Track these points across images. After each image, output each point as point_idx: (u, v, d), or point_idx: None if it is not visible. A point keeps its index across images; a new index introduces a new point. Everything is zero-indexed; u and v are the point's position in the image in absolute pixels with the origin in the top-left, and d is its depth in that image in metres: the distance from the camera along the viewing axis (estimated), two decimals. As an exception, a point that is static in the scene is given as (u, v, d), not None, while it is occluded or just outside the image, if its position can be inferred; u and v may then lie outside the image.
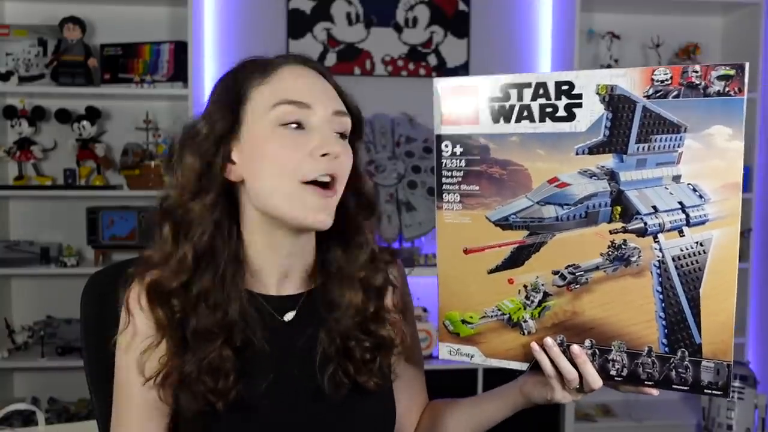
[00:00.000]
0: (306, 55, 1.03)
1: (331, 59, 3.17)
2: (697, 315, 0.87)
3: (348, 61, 3.18)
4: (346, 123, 0.98)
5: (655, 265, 0.88)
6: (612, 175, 0.88)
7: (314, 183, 0.92)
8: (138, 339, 0.95)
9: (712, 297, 0.86)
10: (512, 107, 0.92)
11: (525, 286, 0.94)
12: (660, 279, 0.88)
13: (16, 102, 2.96)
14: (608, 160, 0.88)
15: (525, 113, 0.91)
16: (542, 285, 0.93)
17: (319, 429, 1.00)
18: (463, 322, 0.99)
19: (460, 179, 0.96)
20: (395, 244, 3.04)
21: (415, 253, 3.02)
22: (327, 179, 0.93)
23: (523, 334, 0.96)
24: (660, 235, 0.87)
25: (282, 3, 3.14)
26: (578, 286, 0.91)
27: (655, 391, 0.91)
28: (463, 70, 3.21)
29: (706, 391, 0.87)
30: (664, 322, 0.88)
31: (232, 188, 0.97)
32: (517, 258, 0.94)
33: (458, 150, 0.96)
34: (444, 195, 0.97)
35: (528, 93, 0.91)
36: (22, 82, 2.89)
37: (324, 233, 0.99)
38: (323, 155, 0.92)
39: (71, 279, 2.79)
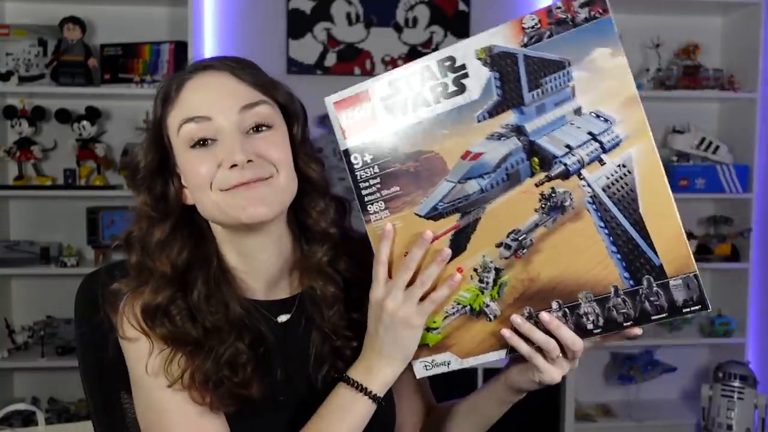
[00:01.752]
0: (212, 58, 1.00)
1: (331, 59, 3.17)
2: (646, 237, 0.86)
3: (348, 61, 3.18)
4: (261, 113, 0.96)
5: (589, 202, 0.87)
6: (519, 130, 0.88)
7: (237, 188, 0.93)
8: (154, 354, 0.95)
9: (653, 213, 0.86)
10: (405, 98, 0.91)
11: (475, 270, 0.92)
12: (599, 214, 0.87)
13: (16, 102, 2.96)
14: (510, 117, 0.88)
15: (419, 100, 0.90)
16: (491, 262, 0.91)
17: None
18: (428, 329, 0.94)
19: (378, 185, 0.92)
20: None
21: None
22: (246, 179, 0.93)
23: (490, 320, 0.93)
24: (583, 171, 0.87)
25: (282, 3, 3.13)
26: (525, 250, 0.90)
27: (638, 330, 0.89)
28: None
29: (684, 310, 0.87)
30: (618, 256, 0.87)
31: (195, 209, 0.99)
32: (458, 244, 0.91)
33: (368, 158, 0.92)
34: (368, 207, 0.93)
35: (416, 80, 0.90)
36: (22, 82, 2.89)
37: (293, 230, 1.02)
38: (233, 166, 0.92)
39: (71, 279, 2.78)
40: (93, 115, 2.96)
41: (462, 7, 3.21)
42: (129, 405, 1.10)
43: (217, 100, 0.95)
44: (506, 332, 0.91)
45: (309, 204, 1.02)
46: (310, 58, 3.15)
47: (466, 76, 0.89)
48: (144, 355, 0.95)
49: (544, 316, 0.90)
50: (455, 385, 1.23)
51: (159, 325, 0.94)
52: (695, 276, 0.86)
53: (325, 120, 3.06)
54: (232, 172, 0.92)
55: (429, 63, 0.90)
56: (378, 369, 0.93)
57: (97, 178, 2.98)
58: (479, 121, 0.89)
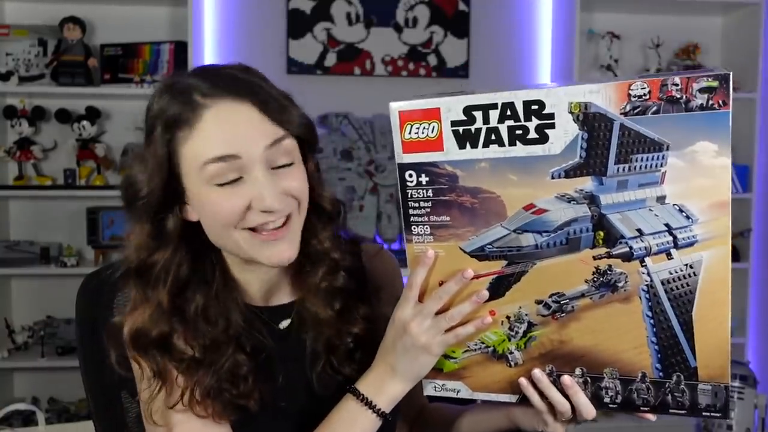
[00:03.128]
0: (231, 77, 0.92)
1: (331, 59, 3.17)
2: (690, 339, 0.83)
3: (348, 61, 3.18)
4: (287, 147, 0.92)
5: (643, 290, 0.84)
6: (592, 199, 0.83)
7: (263, 228, 0.92)
8: (146, 384, 0.95)
9: (705, 320, 0.82)
10: (478, 131, 0.84)
11: (508, 317, 0.89)
12: (650, 304, 0.84)
13: (16, 102, 2.96)
14: (587, 183, 0.82)
15: (493, 137, 0.84)
16: (526, 315, 0.89)
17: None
18: (446, 356, 0.93)
19: (428, 210, 0.88)
20: (395, 244, 3.04)
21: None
22: (278, 224, 0.91)
23: (510, 366, 0.91)
24: (647, 259, 0.83)
25: (282, 3, 3.13)
26: (564, 314, 0.87)
27: (652, 417, 0.88)
28: (462, 70, 3.21)
29: (704, 413, 0.85)
30: (656, 347, 0.85)
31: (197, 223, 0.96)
32: (498, 289, 0.89)
33: (424, 179, 0.88)
34: (413, 227, 0.90)
35: (494, 115, 0.83)
36: (22, 82, 2.89)
37: None
38: (263, 211, 0.90)
39: (71, 279, 2.79)
40: (93, 115, 2.96)
41: (462, 7, 3.21)
42: (129, 405, 1.10)
43: (247, 135, 0.89)
44: (523, 381, 0.90)
45: (317, 226, 1.00)
46: (310, 58, 3.15)
47: (551, 126, 0.82)
48: (139, 377, 0.96)
49: (566, 379, 0.88)
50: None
51: (150, 357, 0.93)
52: (726, 388, 0.83)
53: (325, 120, 3.08)
54: (263, 215, 0.90)
55: (514, 100, 0.83)
56: (388, 385, 0.92)
57: (97, 178, 2.98)
58: (552, 178, 0.83)
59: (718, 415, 0.84)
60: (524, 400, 0.92)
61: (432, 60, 3.21)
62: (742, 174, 3.13)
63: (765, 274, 3.22)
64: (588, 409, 0.89)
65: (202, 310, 0.95)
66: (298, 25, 3.14)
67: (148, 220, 0.93)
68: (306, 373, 1.02)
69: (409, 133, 0.87)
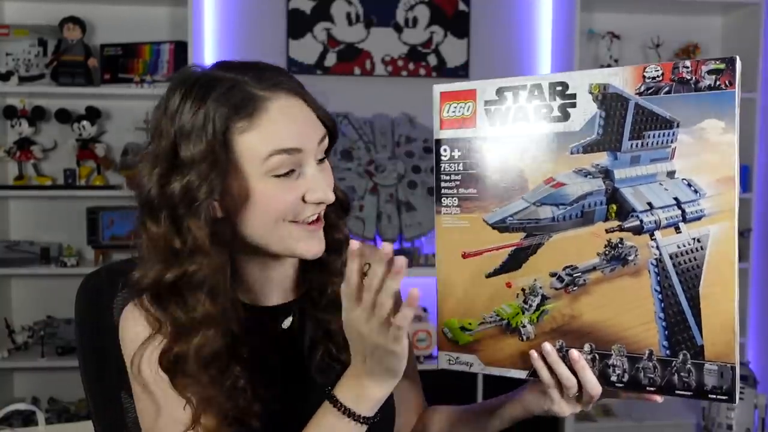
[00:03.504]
0: (287, 76, 0.94)
1: (331, 59, 3.17)
2: (697, 315, 0.84)
3: (348, 61, 3.18)
4: (325, 145, 0.96)
5: (652, 264, 0.86)
6: (607, 173, 0.88)
7: (306, 221, 0.93)
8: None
9: (711, 296, 0.83)
10: (508, 109, 0.92)
11: (523, 290, 0.93)
12: (658, 278, 0.86)
13: (16, 102, 2.96)
14: (603, 158, 0.88)
15: (521, 115, 0.91)
16: (540, 288, 0.92)
17: None
18: (462, 329, 0.97)
19: (458, 183, 0.96)
20: (395, 244, 3.04)
21: (415, 253, 3.02)
22: (314, 217, 0.94)
23: (522, 340, 0.94)
24: (656, 233, 0.86)
25: (282, 3, 3.14)
26: (576, 288, 0.90)
27: (658, 398, 0.88)
28: (462, 70, 3.21)
29: (710, 396, 0.84)
30: (663, 323, 0.86)
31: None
32: (515, 261, 0.93)
33: (456, 154, 0.96)
34: (442, 199, 0.97)
35: (523, 95, 0.91)
36: (22, 82, 2.89)
37: None
38: (317, 203, 0.92)
39: (71, 279, 2.79)
40: (93, 115, 2.96)
41: (462, 7, 3.21)
42: (129, 405, 1.10)
43: (307, 130, 0.92)
44: (534, 354, 0.92)
45: (336, 218, 1.02)
46: (310, 58, 3.15)
47: (573, 105, 0.89)
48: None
49: (574, 353, 0.90)
50: (455, 385, 1.23)
51: (193, 383, 0.91)
52: (732, 368, 0.83)
53: (325, 120, 3.07)
54: (314, 207, 0.92)
55: (541, 82, 0.90)
56: (367, 391, 0.88)
57: (97, 178, 2.98)
58: (572, 153, 0.89)
59: (724, 398, 0.84)
60: (534, 376, 0.94)
61: (432, 60, 3.21)
62: (742, 174, 3.12)
63: (765, 274, 3.22)
64: (593, 385, 0.89)
65: (206, 316, 0.92)
66: (298, 25, 3.14)
67: (207, 226, 0.89)
68: (306, 366, 1.02)
69: (447, 111, 0.96)
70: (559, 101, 0.89)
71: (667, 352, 0.86)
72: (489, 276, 0.95)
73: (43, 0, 2.97)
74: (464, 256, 0.96)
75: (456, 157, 0.96)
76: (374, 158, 3.06)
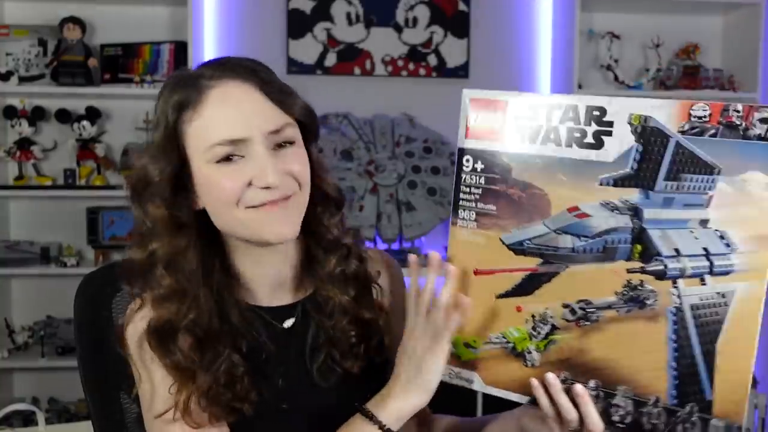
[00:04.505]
0: (235, 63, 0.96)
1: (331, 59, 3.17)
2: (710, 369, 0.81)
3: (348, 61, 3.18)
4: (288, 134, 0.95)
5: (671, 312, 0.82)
6: (635, 211, 0.83)
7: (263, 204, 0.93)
8: (159, 393, 0.95)
9: (728, 353, 0.80)
10: (539, 128, 0.87)
11: (533, 316, 0.90)
12: (675, 327, 0.83)
13: (16, 102, 2.95)
14: (633, 195, 0.83)
15: (552, 135, 0.87)
16: (551, 317, 0.89)
17: (325, 426, 1.01)
18: (466, 345, 0.94)
19: (477, 197, 0.91)
20: (395, 244, 3.04)
21: (415, 253, 3.02)
22: (276, 197, 0.93)
23: (526, 365, 0.91)
24: (680, 281, 0.82)
25: (282, 3, 3.13)
26: (588, 323, 0.87)
27: None
28: (462, 70, 3.21)
29: None
30: (675, 373, 0.83)
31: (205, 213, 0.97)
32: (528, 286, 0.90)
33: (479, 166, 0.91)
34: (460, 211, 0.92)
35: (557, 115, 0.86)
36: (22, 82, 2.89)
37: (301, 237, 1.00)
38: (264, 187, 0.92)
39: (71, 279, 2.78)
40: (93, 115, 2.96)
41: (462, 7, 3.21)
42: (129, 405, 1.10)
43: (249, 118, 0.92)
44: (534, 382, 0.89)
45: (323, 214, 1.02)
46: (310, 58, 3.15)
47: (609, 134, 0.84)
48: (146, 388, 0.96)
49: (578, 388, 0.86)
50: (454, 392, 1.23)
51: (171, 348, 0.93)
52: (739, 428, 0.81)
53: (325, 120, 3.08)
54: (263, 192, 0.92)
55: (578, 103, 0.86)
56: (395, 400, 0.92)
57: (97, 178, 2.98)
58: (600, 184, 0.85)
59: None
60: (534, 403, 0.92)
61: (432, 60, 3.21)
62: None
63: (765, 274, 3.22)
64: (595, 422, 0.87)
65: (204, 305, 0.95)
66: (298, 25, 3.14)
67: (164, 205, 0.94)
68: (307, 368, 1.02)
69: (475, 120, 0.91)
70: (594, 127, 0.85)
71: (675, 401, 0.84)
72: (499, 297, 0.92)
73: (43, 0, 2.97)
74: (476, 272, 0.92)
75: (478, 169, 0.91)
76: (374, 158, 3.06)
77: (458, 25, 3.21)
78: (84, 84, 2.86)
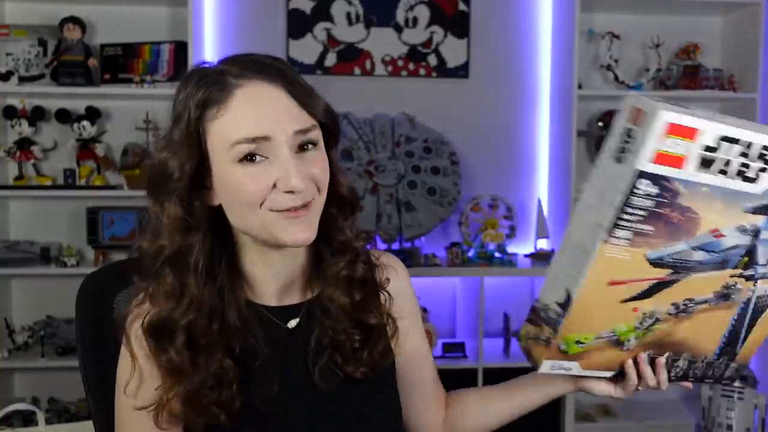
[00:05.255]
0: (261, 62, 0.96)
1: (331, 59, 3.17)
2: (747, 335, 1.05)
3: (348, 61, 3.18)
4: (312, 136, 0.94)
5: (743, 301, 1.01)
6: (756, 232, 0.95)
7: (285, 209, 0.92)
8: (144, 387, 0.95)
9: (761, 326, 1.04)
10: (716, 159, 0.87)
11: (644, 313, 0.98)
12: (740, 311, 1.02)
13: (16, 102, 2.96)
14: (760, 220, 0.94)
15: (724, 166, 0.88)
16: (657, 313, 0.98)
17: (324, 428, 1.00)
18: (577, 342, 0.98)
19: (641, 219, 0.89)
20: (395, 244, 3.04)
21: (415, 253, 3.02)
22: (299, 204, 0.92)
23: (622, 350, 1.02)
24: (759, 281, 1.00)
25: (282, 3, 3.14)
26: (685, 314, 0.99)
27: (689, 385, 1.10)
28: (462, 70, 3.21)
29: (723, 381, 1.11)
30: (725, 340, 1.05)
31: (219, 209, 0.97)
32: (651, 291, 0.96)
33: (653, 191, 0.87)
34: (616, 230, 0.89)
35: (737, 149, 0.87)
36: (22, 82, 2.89)
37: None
38: (288, 191, 0.91)
39: (71, 279, 2.79)
40: (93, 115, 2.96)
41: (462, 7, 3.21)
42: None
43: (274, 118, 0.91)
44: (630, 362, 1.04)
45: (338, 217, 1.01)
46: (310, 58, 3.15)
47: (765, 170, 0.91)
48: (136, 379, 0.95)
49: (661, 361, 1.04)
50: (457, 385, 1.24)
51: (165, 346, 0.93)
52: (745, 366, 1.11)
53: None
54: (288, 195, 0.91)
55: (756, 141, 0.88)
56: None
57: (97, 178, 2.98)
58: (744, 212, 0.93)
59: (736, 383, 1.05)
60: (617, 375, 1.07)
61: (432, 60, 3.21)
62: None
63: (765, 274, 3.22)
64: (663, 383, 1.05)
65: (202, 305, 0.95)
66: (298, 25, 3.14)
67: (180, 203, 0.93)
68: (308, 369, 1.01)
69: (667, 145, 0.85)
70: (759, 164, 0.89)
71: (715, 357, 1.07)
72: (624, 302, 0.96)
73: (43, 0, 2.97)
74: (611, 283, 0.93)
75: (652, 193, 0.88)
76: (374, 158, 3.06)
77: (458, 25, 3.22)
78: (84, 84, 2.86)
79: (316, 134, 0.95)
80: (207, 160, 0.93)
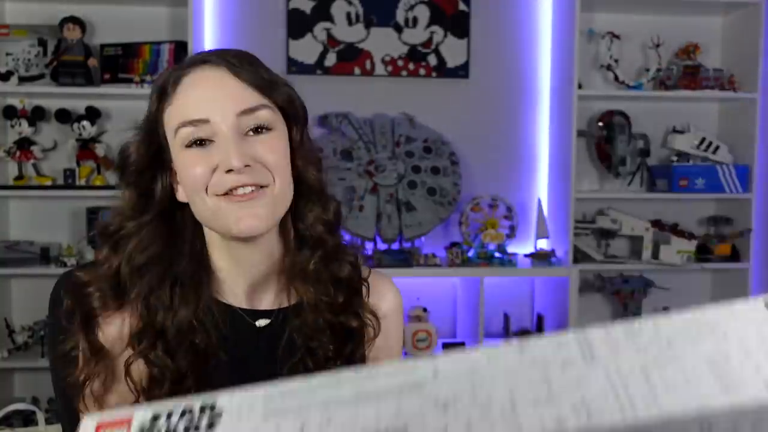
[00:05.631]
0: (214, 52, 0.96)
1: (331, 59, 3.17)
2: None
3: (348, 61, 3.18)
4: (261, 117, 0.92)
5: None
6: None
7: (233, 193, 0.91)
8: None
9: None
10: None
11: None
12: None
13: (16, 102, 2.96)
14: None
15: None
16: None
17: None
18: None
19: None
20: (395, 244, 3.04)
21: (415, 253, 3.02)
22: (247, 189, 0.90)
23: None
24: None
25: (282, 3, 3.14)
26: None
27: None
28: (462, 70, 3.21)
29: None
30: None
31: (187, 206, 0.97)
32: None
33: None
34: None
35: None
36: (22, 82, 2.89)
37: (285, 234, 0.99)
38: (229, 171, 0.89)
39: (71, 279, 2.78)
40: (93, 115, 2.96)
41: (462, 7, 3.21)
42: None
43: (215, 101, 0.91)
44: None
45: (304, 208, 0.99)
46: (310, 58, 3.15)
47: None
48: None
49: None
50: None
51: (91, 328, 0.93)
52: None
53: (325, 120, 3.08)
54: (228, 176, 0.90)
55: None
56: None
57: (97, 178, 2.98)
58: None
59: None
60: None
61: (432, 60, 3.21)
62: (742, 174, 3.13)
63: (765, 274, 3.22)
64: None
65: (147, 296, 0.93)
66: (298, 25, 3.14)
67: (133, 186, 0.96)
68: (276, 371, 0.98)
69: None
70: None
71: None
72: None
73: (43, 0, 2.97)
74: None
75: None
76: (374, 158, 3.06)
77: (458, 25, 3.21)
78: (84, 84, 2.86)
79: (268, 115, 0.93)
80: (167, 151, 0.96)
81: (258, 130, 0.92)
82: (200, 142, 0.91)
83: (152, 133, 0.96)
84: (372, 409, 0.45)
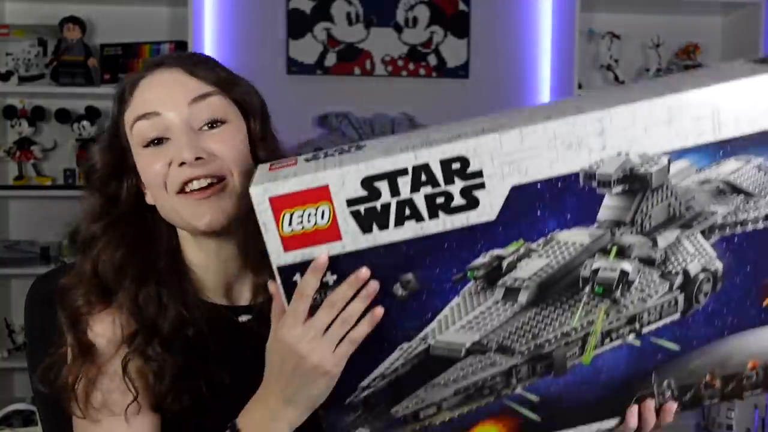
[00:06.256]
0: (171, 55, 0.99)
1: (331, 59, 3.17)
2: None
3: (348, 61, 3.18)
4: (213, 105, 0.93)
5: None
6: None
7: (192, 189, 0.91)
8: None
9: None
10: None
11: None
12: None
13: (16, 102, 2.96)
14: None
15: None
16: None
17: None
18: None
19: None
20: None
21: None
22: (203, 183, 0.91)
23: None
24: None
25: (282, 3, 3.14)
26: None
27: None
28: (462, 70, 3.21)
29: None
30: None
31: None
32: None
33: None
34: None
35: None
36: (22, 82, 2.89)
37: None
38: (181, 164, 0.90)
39: (71, 279, 2.79)
40: (93, 115, 2.97)
41: (462, 7, 3.21)
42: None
43: (167, 94, 0.93)
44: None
45: None
46: (310, 58, 3.15)
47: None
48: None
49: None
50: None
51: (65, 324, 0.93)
52: None
53: (325, 120, 3.08)
54: (182, 169, 0.90)
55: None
56: (280, 416, 0.82)
57: (97, 178, 2.98)
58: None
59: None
60: None
61: (432, 60, 3.21)
62: (742, 174, 3.12)
63: (765, 274, 3.22)
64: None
65: (135, 295, 0.93)
66: (298, 25, 3.14)
67: (98, 192, 0.97)
68: (261, 366, 0.93)
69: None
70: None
71: None
72: None
73: (43, 0, 2.97)
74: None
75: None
76: (374, 158, 3.06)
77: (458, 25, 3.21)
78: (84, 84, 2.87)
79: (218, 102, 0.94)
80: (129, 156, 0.96)
81: (212, 125, 0.93)
82: (157, 141, 0.93)
83: (115, 139, 0.97)
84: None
